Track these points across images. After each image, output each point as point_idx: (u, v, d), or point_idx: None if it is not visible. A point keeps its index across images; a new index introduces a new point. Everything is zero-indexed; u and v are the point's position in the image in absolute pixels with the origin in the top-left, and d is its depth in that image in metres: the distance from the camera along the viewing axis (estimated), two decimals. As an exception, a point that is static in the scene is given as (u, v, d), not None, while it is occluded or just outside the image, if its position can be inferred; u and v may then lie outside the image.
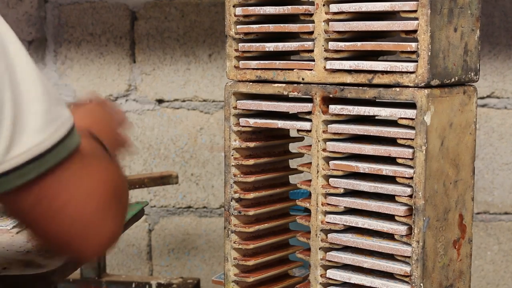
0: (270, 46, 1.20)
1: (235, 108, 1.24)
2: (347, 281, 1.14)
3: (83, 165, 0.81)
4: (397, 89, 1.08)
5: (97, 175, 0.82)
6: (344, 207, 1.14)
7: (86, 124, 1.00)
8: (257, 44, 1.21)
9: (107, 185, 0.83)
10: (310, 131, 1.16)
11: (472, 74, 1.15)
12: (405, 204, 1.08)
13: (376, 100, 1.13)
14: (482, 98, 1.99)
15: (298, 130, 1.18)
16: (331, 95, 1.14)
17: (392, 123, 1.11)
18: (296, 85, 1.18)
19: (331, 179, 1.15)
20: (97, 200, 0.81)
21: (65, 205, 0.79)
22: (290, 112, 1.21)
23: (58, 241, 0.81)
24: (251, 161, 1.25)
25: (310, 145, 1.17)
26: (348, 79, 1.12)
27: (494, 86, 1.99)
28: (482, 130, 2.00)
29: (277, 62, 1.20)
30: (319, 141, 1.15)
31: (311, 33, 1.15)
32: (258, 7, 1.20)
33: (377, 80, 1.10)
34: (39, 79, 0.77)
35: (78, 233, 0.80)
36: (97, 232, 0.81)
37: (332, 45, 1.13)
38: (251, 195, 1.25)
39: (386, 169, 1.09)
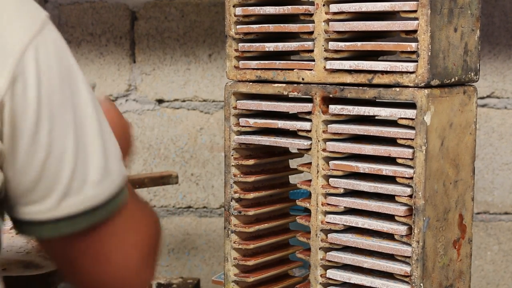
0: (270, 46, 1.20)
1: (235, 108, 1.24)
2: (347, 281, 1.14)
3: (129, 218, 0.84)
4: (397, 89, 1.08)
5: (141, 228, 0.86)
6: (344, 207, 1.14)
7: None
8: (257, 44, 1.21)
9: (149, 238, 0.86)
10: (310, 131, 1.16)
11: (472, 74, 1.15)
12: (405, 204, 1.08)
13: (376, 100, 1.13)
14: (482, 98, 1.99)
15: (298, 130, 1.18)
16: (331, 95, 1.14)
17: (392, 123, 1.11)
18: (296, 85, 1.18)
19: (331, 179, 1.15)
20: (139, 251, 0.84)
21: (111, 256, 0.81)
22: (290, 112, 1.21)
23: None
24: (251, 161, 1.25)
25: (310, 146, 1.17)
26: (348, 79, 1.12)
27: (494, 86, 1.99)
28: (482, 130, 2.00)
29: (277, 62, 1.20)
30: (319, 141, 1.15)
31: (311, 33, 1.15)
32: (258, 7, 1.20)
33: (377, 80, 1.10)
34: (101, 131, 0.78)
35: (120, 282, 0.83)
36: (137, 281, 0.84)
37: (332, 45, 1.13)
38: (251, 195, 1.24)
39: (386, 169, 1.09)
